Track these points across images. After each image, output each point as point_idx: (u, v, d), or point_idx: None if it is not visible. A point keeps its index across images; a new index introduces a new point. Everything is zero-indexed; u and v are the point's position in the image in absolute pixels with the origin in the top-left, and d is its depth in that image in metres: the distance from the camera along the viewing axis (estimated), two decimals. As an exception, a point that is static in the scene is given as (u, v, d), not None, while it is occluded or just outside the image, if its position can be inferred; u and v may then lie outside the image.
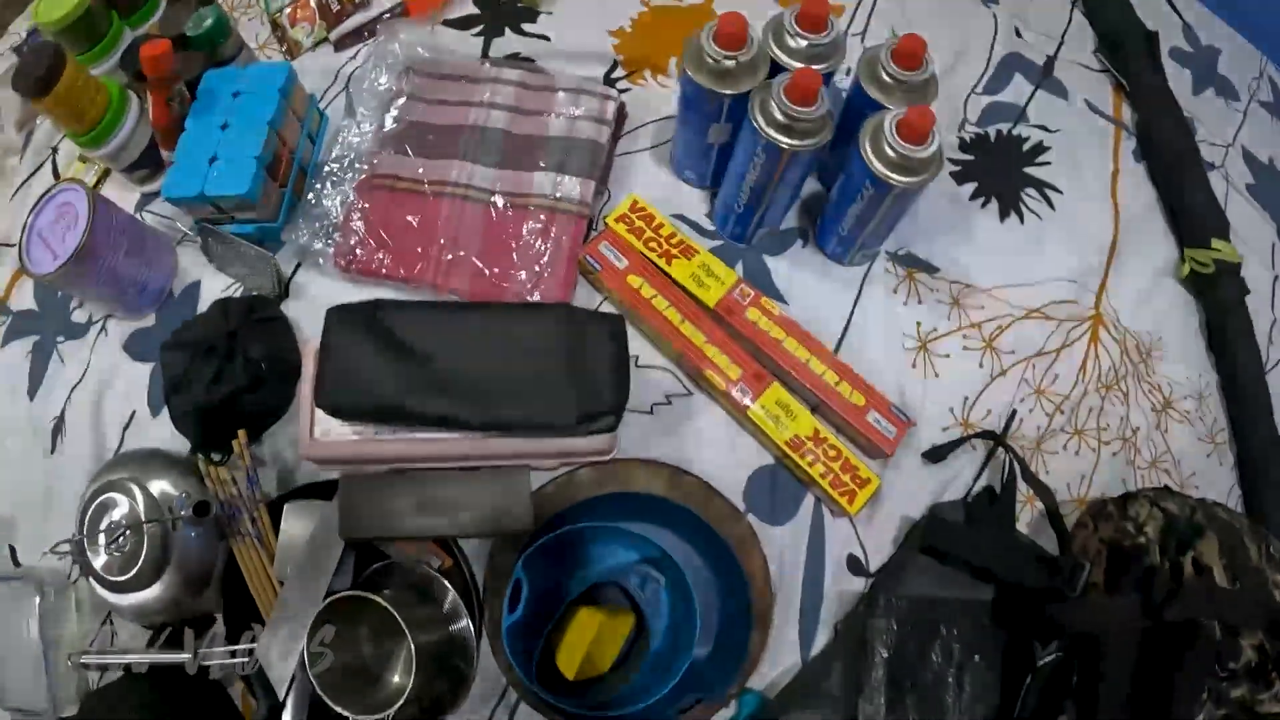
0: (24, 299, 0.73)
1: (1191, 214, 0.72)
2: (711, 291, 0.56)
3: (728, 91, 0.52)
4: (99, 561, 0.54)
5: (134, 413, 0.64)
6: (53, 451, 0.66)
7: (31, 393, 0.68)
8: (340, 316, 0.52)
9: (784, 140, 0.50)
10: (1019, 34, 0.74)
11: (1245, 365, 0.71)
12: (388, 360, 0.51)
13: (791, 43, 0.53)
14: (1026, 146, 0.69)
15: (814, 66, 0.53)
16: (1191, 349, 0.70)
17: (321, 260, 0.60)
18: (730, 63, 0.51)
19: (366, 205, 0.59)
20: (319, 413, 0.52)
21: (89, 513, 0.56)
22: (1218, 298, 0.71)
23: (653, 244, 0.57)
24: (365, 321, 0.52)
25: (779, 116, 0.50)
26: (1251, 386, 0.71)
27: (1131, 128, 0.75)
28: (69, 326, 0.69)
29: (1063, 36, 0.76)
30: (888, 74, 0.53)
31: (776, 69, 0.53)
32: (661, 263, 0.56)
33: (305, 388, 0.53)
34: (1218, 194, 0.76)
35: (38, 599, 0.58)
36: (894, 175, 0.51)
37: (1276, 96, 0.87)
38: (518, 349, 0.50)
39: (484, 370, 0.50)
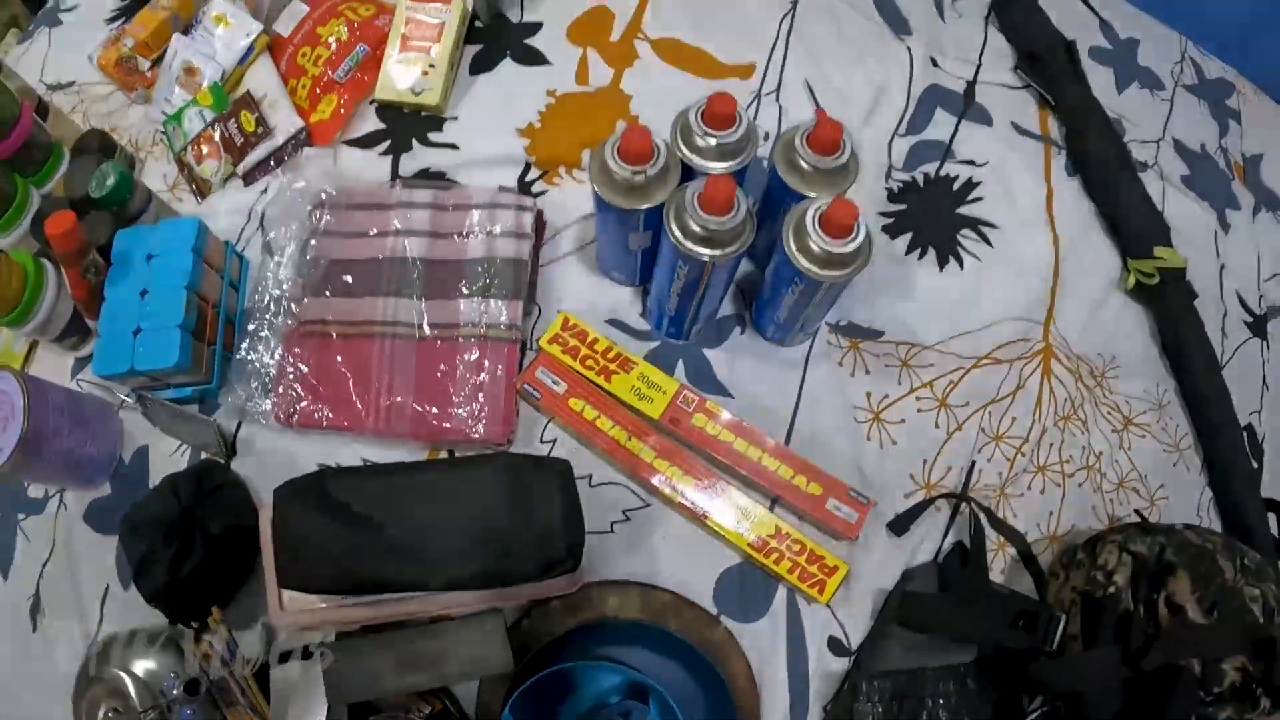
0: (-27, 479, 0.70)
1: (1130, 226, 0.69)
2: (655, 404, 0.53)
3: (641, 206, 0.49)
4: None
5: (108, 586, 0.61)
6: (34, 630, 0.64)
7: (4, 572, 0.66)
8: (289, 494, 0.50)
9: (705, 252, 0.47)
10: (935, 64, 0.70)
11: (1202, 367, 0.69)
12: (339, 532, 0.48)
13: (700, 142, 0.50)
14: (957, 185, 0.66)
15: (726, 164, 0.50)
16: (1146, 359, 0.68)
17: (263, 419, 0.57)
18: (639, 177, 0.48)
19: (297, 355, 0.56)
20: (282, 585, 0.50)
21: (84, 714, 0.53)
22: (1166, 305, 0.69)
23: (589, 361, 0.54)
24: (314, 495, 0.49)
25: (696, 229, 0.47)
26: (1210, 387, 0.69)
27: (1061, 141, 0.72)
28: (26, 503, 0.66)
29: (980, 58, 0.72)
30: (805, 162, 0.50)
31: (688, 170, 0.50)
32: (601, 380, 0.54)
33: (268, 551, 0.51)
34: (1154, 192, 0.73)
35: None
36: (822, 271, 0.48)
37: (1200, 77, 0.83)
38: (466, 507, 0.47)
39: (436, 531, 0.47)
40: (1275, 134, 0.85)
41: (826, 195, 0.50)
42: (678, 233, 0.48)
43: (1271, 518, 0.69)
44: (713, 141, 0.49)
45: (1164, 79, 0.81)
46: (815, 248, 0.47)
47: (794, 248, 0.48)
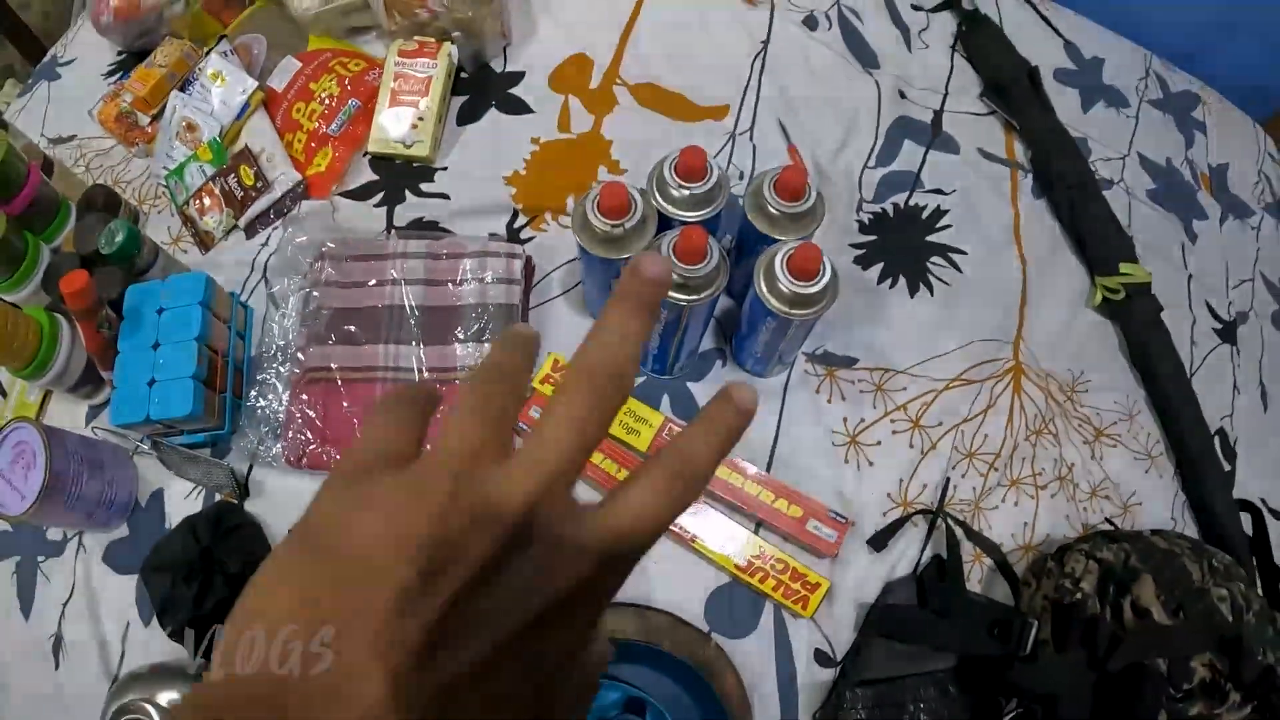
0: (-4, 522, 0.74)
1: (1096, 244, 0.73)
2: (642, 436, 0.58)
3: (621, 256, 0.53)
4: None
5: (129, 623, 0.66)
6: (57, 668, 0.68)
7: (26, 612, 0.70)
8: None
9: (681, 298, 0.52)
10: (903, 95, 0.75)
11: (1171, 377, 0.73)
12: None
13: (675, 193, 0.54)
14: (926, 215, 0.70)
15: (700, 212, 0.54)
16: (1115, 372, 0.72)
17: (274, 462, 0.61)
18: (618, 230, 0.53)
19: (305, 401, 0.61)
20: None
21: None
22: (1133, 320, 0.73)
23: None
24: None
25: (673, 276, 0.51)
26: (1179, 395, 0.73)
27: (1027, 164, 0.76)
28: (46, 545, 0.70)
29: (947, 87, 0.77)
30: (773, 207, 0.54)
31: (665, 219, 0.55)
32: (591, 417, 0.58)
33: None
34: (1121, 208, 0.78)
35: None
36: (792, 310, 0.52)
37: (1165, 90, 0.88)
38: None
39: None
40: (1241, 142, 0.89)
41: (795, 238, 0.54)
42: (656, 280, 0.52)
43: (1245, 518, 0.73)
44: (686, 192, 0.54)
45: (1129, 95, 0.85)
46: (785, 289, 0.52)
47: (765, 290, 0.53)
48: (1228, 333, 0.79)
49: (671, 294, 0.51)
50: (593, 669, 0.21)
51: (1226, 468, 0.74)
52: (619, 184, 0.52)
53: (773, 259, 0.52)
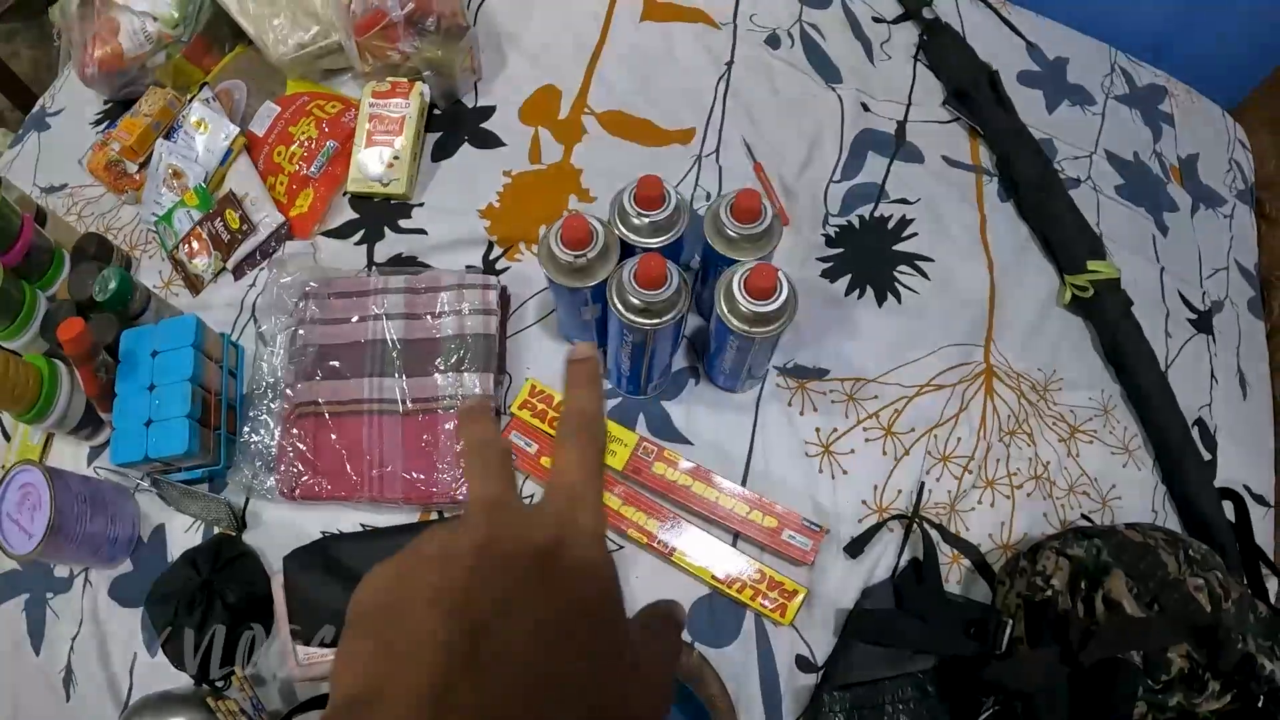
0: (3, 561, 0.79)
1: (1063, 243, 0.76)
2: (618, 456, 0.61)
3: (586, 285, 0.57)
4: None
5: (135, 654, 0.70)
6: (68, 700, 0.72)
7: (36, 648, 0.74)
8: (297, 561, 0.58)
9: (644, 322, 0.55)
10: (866, 108, 0.78)
11: (1144, 369, 0.76)
12: (344, 591, 0.56)
13: (635, 221, 0.58)
14: (891, 225, 0.73)
15: (661, 239, 0.58)
16: (1089, 368, 0.75)
17: (268, 495, 0.65)
18: (581, 259, 0.56)
19: (295, 435, 0.65)
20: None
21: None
22: (1103, 315, 0.75)
23: (556, 423, 0.62)
24: (319, 560, 0.58)
25: (635, 302, 0.55)
26: (1153, 387, 0.75)
27: (992, 168, 0.79)
28: (54, 582, 0.74)
29: (910, 98, 0.80)
30: (731, 230, 0.58)
31: (628, 246, 0.58)
32: (567, 440, 0.62)
33: (281, 611, 0.59)
34: (1089, 205, 0.80)
35: None
36: (752, 329, 0.55)
37: (1131, 85, 0.91)
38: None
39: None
40: (1209, 131, 0.92)
41: (754, 257, 0.58)
42: (619, 306, 0.56)
43: (1228, 505, 0.76)
44: (646, 220, 0.57)
45: (1094, 93, 0.88)
46: (744, 309, 0.55)
47: (725, 310, 0.56)
48: (1203, 322, 0.81)
49: (636, 318, 0.55)
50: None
51: (1207, 457, 0.77)
52: (580, 216, 0.55)
53: (730, 281, 0.56)
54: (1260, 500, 0.77)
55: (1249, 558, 0.72)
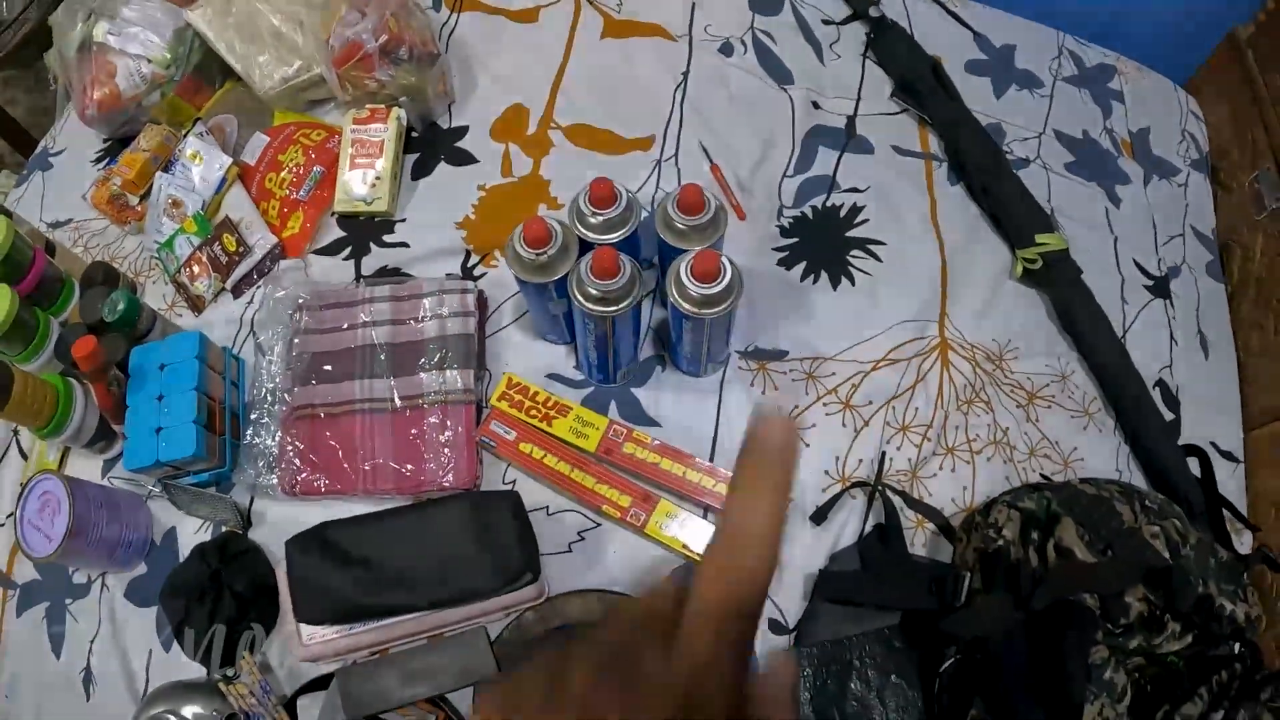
0: (26, 571, 0.89)
1: (1011, 219, 0.85)
2: (590, 439, 0.71)
3: (549, 279, 0.67)
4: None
5: (151, 650, 0.80)
6: (88, 699, 0.83)
7: (57, 652, 0.85)
8: (298, 546, 0.68)
9: (602, 310, 0.65)
10: (817, 106, 0.88)
11: (1099, 335, 0.83)
12: (341, 571, 0.66)
13: (591, 219, 0.68)
14: (843, 213, 0.83)
15: (616, 234, 0.68)
16: (1044, 337, 0.83)
17: (271, 492, 0.76)
18: (543, 257, 0.66)
19: (294, 436, 0.75)
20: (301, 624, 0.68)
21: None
22: (1054, 285, 0.84)
23: (533, 411, 0.72)
24: (317, 544, 0.68)
25: (593, 292, 0.64)
26: (1109, 351, 0.83)
27: (941, 154, 0.89)
28: (73, 589, 0.84)
29: (859, 93, 0.91)
30: (679, 223, 0.68)
31: (586, 244, 0.69)
32: (544, 426, 0.71)
33: (286, 602, 0.69)
34: (1038, 183, 0.89)
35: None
36: (701, 310, 0.65)
37: (1078, 64, 1.00)
38: (440, 538, 0.65)
39: (417, 561, 0.65)
40: (1160, 104, 1.01)
41: (701, 246, 0.68)
42: (579, 297, 0.65)
43: (1193, 461, 0.83)
44: (600, 218, 0.68)
45: (1043, 77, 0.98)
46: (693, 293, 0.65)
47: (676, 295, 0.66)
48: (1160, 287, 0.89)
49: (595, 307, 0.65)
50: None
51: (1170, 416, 0.84)
52: (539, 218, 0.66)
53: (679, 268, 0.66)
54: (1229, 456, 0.84)
55: (1214, 509, 0.79)
